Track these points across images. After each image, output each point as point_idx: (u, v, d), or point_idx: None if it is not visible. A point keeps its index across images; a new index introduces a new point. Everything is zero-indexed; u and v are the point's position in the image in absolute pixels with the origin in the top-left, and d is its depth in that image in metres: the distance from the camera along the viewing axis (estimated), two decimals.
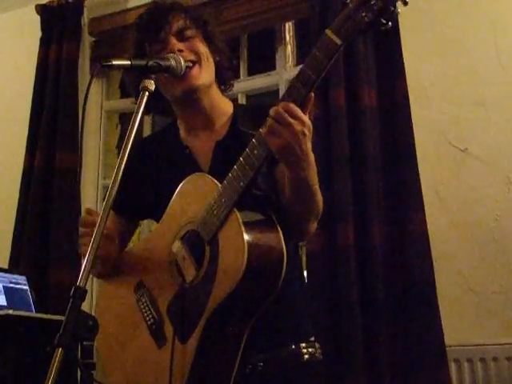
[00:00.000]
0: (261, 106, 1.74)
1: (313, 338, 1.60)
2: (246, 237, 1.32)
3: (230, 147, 1.58)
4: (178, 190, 1.57)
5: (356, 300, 2.73)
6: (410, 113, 2.92)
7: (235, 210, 1.36)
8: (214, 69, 1.68)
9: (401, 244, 2.81)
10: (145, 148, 1.82)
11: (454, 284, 2.80)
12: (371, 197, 2.85)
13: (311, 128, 1.32)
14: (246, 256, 1.30)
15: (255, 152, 1.36)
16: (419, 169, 2.85)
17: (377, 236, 2.81)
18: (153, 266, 1.57)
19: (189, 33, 1.65)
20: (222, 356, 1.39)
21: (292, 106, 1.30)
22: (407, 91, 2.93)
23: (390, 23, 1.20)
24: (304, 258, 2.81)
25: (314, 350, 1.58)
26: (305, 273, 2.89)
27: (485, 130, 2.89)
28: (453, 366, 2.69)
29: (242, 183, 1.36)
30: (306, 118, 1.31)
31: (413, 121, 2.91)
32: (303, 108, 1.31)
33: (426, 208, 2.80)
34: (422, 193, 2.82)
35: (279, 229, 1.38)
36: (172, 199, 1.58)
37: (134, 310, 1.58)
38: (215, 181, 1.44)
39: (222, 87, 1.75)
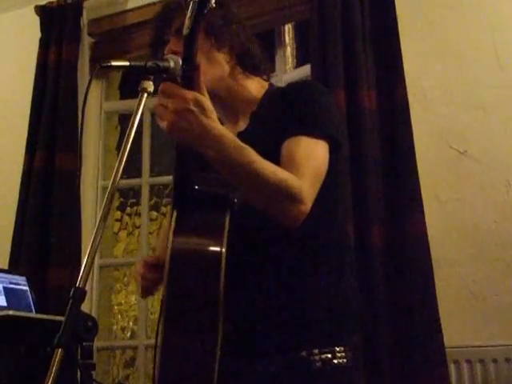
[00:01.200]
0: (289, 86, 1.66)
1: (340, 343, 1.47)
2: (174, 237, 1.29)
3: (251, 137, 1.49)
4: None
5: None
6: (409, 115, 2.92)
7: (175, 209, 1.33)
8: (221, 61, 1.63)
9: (400, 246, 2.81)
10: None
11: (453, 286, 2.80)
12: (371, 199, 2.85)
13: (200, 102, 1.22)
14: (169, 253, 1.28)
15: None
16: (419, 171, 2.85)
17: (376, 238, 2.81)
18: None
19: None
20: (192, 355, 1.34)
21: (167, 85, 1.24)
22: (407, 93, 2.94)
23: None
24: None
25: (329, 356, 1.44)
26: None
27: (484, 133, 2.90)
28: (452, 367, 2.69)
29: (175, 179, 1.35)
30: (187, 94, 1.22)
31: (412, 123, 2.91)
32: (189, 85, 1.23)
33: (425, 210, 2.81)
34: (421, 195, 2.82)
35: (225, 228, 1.29)
36: None
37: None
38: None
39: (250, 70, 1.66)
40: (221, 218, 1.31)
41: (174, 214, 1.32)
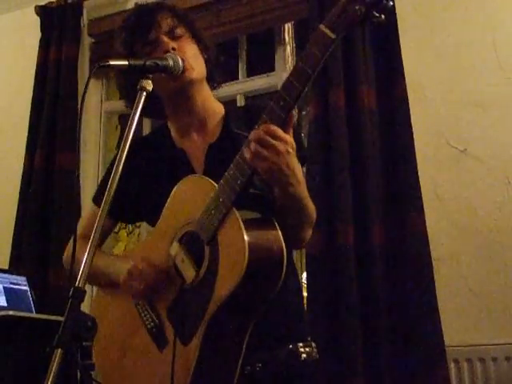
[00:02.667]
0: (252, 106, 1.77)
1: (309, 338, 1.61)
2: (247, 236, 1.32)
3: (223, 149, 1.58)
4: (172, 192, 1.55)
5: (356, 300, 2.73)
6: (409, 113, 2.92)
7: (234, 209, 1.36)
8: (204, 66, 1.68)
9: (400, 245, 2.81)
10: (135, 151, 1.81)
11: (453, 284, 2.80)
12: (371, 197, 2.85)
13: (294, 145, 1.35)
14: (247, 255, 1.29)
15: None
16: (418, 169, 2.85)
17: (376, 237, 2.81)
18: None
19: (179, 31, 1.66)
20: (223, 357, 1.39)
21: (272, 127, 1.32)
22: (406, 92, 2.94)
23: (382, 16, 1.20)
24: (304, 259, 2.82)
25: (310, 349, 1.58)
26: (304, 274, 2.90)
27: (484, 131, 2.90)
28: (452, 366, 2.69)
29: (239, 181, 1.36)
30: (287, 137, 1.33)
31: (412, 121, 2.91)
32: (284, 126, 1.33)
33: (425, 208, 2.81)
34: (421, 193, 2.82)
35: (278, 228, 1.39)
36: (167, 202, 1.56)
37: (132, 314, 1.58)
38: (212, 181, 1.44)
39: (213, 85, 1.75)
40: (270, 217, 1.42)
41: (234, 212, 1.36)
